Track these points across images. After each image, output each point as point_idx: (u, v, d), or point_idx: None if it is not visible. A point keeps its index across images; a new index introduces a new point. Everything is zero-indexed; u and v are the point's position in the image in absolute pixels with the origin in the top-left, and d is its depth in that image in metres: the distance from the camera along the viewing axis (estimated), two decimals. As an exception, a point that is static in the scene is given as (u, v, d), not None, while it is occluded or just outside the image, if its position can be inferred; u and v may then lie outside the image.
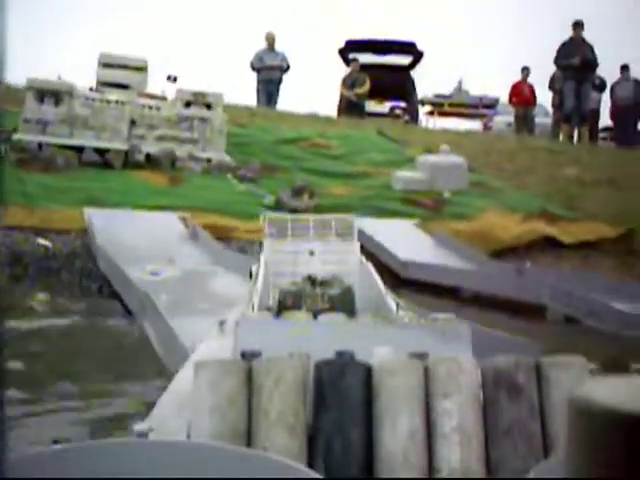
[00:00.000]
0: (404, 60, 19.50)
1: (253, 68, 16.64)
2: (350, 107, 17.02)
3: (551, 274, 7.87)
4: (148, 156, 10.45)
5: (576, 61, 16.16)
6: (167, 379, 3.39)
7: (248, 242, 8.38)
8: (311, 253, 4.49)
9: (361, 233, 9.08)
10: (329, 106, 17.75)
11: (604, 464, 0.76)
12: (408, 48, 19.45)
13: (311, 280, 3.69)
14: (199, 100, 10.77)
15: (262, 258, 4.35)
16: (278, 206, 9.65)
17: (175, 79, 10.70)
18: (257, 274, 4.03)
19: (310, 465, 2.35)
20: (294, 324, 2.87)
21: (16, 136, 10.42)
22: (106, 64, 10.77)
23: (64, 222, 7.86)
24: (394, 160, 12.34)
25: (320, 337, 2.71)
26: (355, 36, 19.71)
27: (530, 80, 17.60)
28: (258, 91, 16.78)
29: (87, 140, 10.32)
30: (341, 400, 2.46)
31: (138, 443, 1.92)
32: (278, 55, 16.68)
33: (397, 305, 3.55)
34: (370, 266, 4.35)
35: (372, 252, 8.74)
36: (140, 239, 7.17)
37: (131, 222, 7.68)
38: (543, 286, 7.02)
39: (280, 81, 16.86)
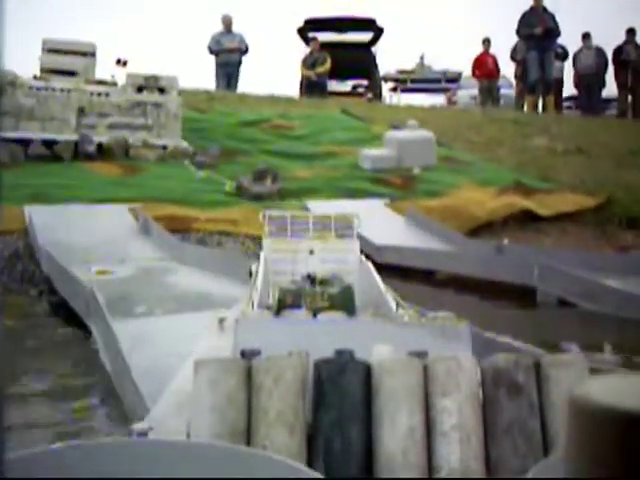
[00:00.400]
0: (364, 37, 18.88)
1: (211, 51, 15.91)
2: (311, 87, 16.42)
3: (533, 251, 7.15)
4: (100, 146, 9.56)
5: (538, 30, 15.56)
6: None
7: (208, 233, 7.58)
8: (311, 252, 4.43)
9: (328, 217, 8.35)
10: (290, 87, 16.96)
11: (604, 463, 0.73)
12: (368, 25, 18.80)
13: (311, 279, 3.67)
14: (151, 84, 9.98)
15: (262, 256, 4.30)
16: (239, 192, 8.83)
17: (125, 63, 9.90)
18: (257, 273, 3.96)
19: (310, 464, 2.33)
20: (293, 323, 2.86)
21: (-44, 131, 9.45)
22: (50, 50, 9.86)
23: (6, 222, 6.98)
24: (360, 138, 11.66)
25: (320, 336, 2.68)
26: (314, 14, 18.85)
27: (492, 52, 16.84)
28: (217, 74, 16.03)
29: (33, 132, 9.39)
30: (341, 399, 2.43)
31: (138, 443, 1.91)
32: (236, 37, 15.97)
33: (397, 304, 3.50)
34: (370, 265, 4.27)
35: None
36: (86, 236, 6.44)
37: (76, 218, 6.87)
38: (528, 265, 6.28)
39: (239, 63, 16.18)
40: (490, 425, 2.45)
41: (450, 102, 19.72)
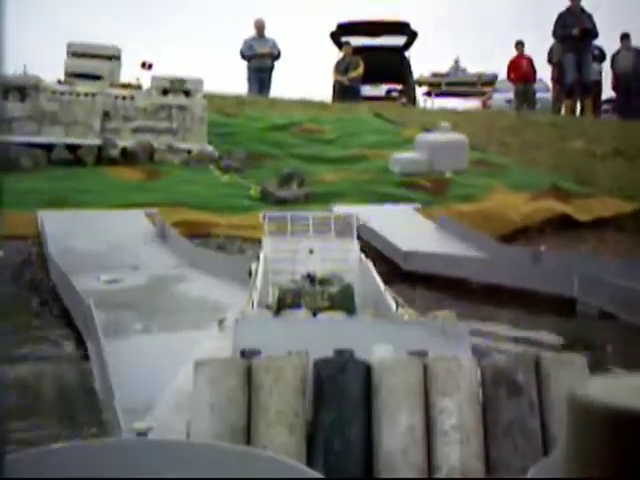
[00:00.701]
0: (398, 41, 18.43)
1: (243, 56, 15.53)
2: (344, 92, 16.09)
3: (571, 258, 6.57)
4: (124, 150, 9.17)
5: (575, 31, 14.87)
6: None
7: (229, 239, 7.14)
8: (310, 251, 4.38)
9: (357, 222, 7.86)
10: (323, 92, 16.54)
11: (603, 463, 0.74)
12: (401, 28, 18.36)
13: (310, 278, 3.65)
14: (177, 87, 9.62)
15: (261, 256, 4.28)
16: (264, 197, 8.37)
17: (150, 66, 9.57)
18: (256, 272, 3.96)
19: (309, 463, 2.31)
20: (293, 323, 2.85)
21: (-21, 137, 9.13)
22: (75, 53, 9.55)
23: (21, 227, 6.66)
24: (391, 142, 11.23)
25: (319, 335, 2.67)
26: (347, 18, 18.40)
27: (528, 54, 16.22)
28: (249, 79, 15.63)
29: (56, 137, 9.07)
30: (340, 398, 2.43)
31: (138, 443, 1.90)
32: (268, 42, 15.60)
33: (397, 303, 3.48)
34: (370, 264, 4.27)
35: (369, 242, 7.47)
36: (99, 243, 6.06)
37: (90, 224, 6.54)
38: (567, 274, 5.72)
39: (271, 68, 15.80)
40: (490, 425, 2.42)
41: (485, 106, 19.12)
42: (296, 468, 1.84)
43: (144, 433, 2.07)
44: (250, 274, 4.02)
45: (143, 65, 10.28)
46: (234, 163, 10.06)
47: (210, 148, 10.29)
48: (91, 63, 10.11)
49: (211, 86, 14.28)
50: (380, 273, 7.58)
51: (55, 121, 9.69)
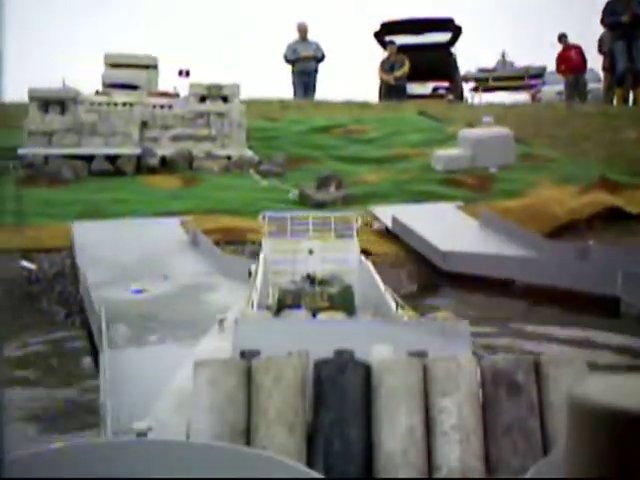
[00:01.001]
0: (443, 37, 17.98)
1: (287, 60, 15.30)
2: (390, 91, 15.91)
3: (620, 253, 6.16)
4: (163, 159, 9.04)
5: (625, 18, 14.29)
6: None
7: (263, 244, 6.87)
8: (310, 252, 4.34)
9: (395, 222, 7.59)
10: (369, 92, 16.27)
11: (603, 463, 0.74)
12: (446, 25, 18.03)
13: (310, 279, 3.62)
14: (214, 93, 9.42)
15: (261, 256, 4.27)
16: (302, 200, 8.14)
17: (188, 73, 9.44)
18: (256, 273, 3.94)
19: (309, 463, 2.30)
20: (293, 323, 2.85)
21: (21, 150, 9.13)
22: (113, 64, 9.43)
23: (55, 239, 6.57)
24: (434, 139, 10.96)
25: (319, 336, 2.62)
26: (390, 17, 18.12)
27: (578, 44, 15.65)
28: (294, 83, 15.45)
29: (96, 148, 8.99)
30: (340, 399, 2.41)
31: (138, 443, 1.89)
32: (311, 45, 15.47)
33: (397, 304, 3.46)
34: (369, 264, 4.20)
35: (408, 243, 7.17)
36: (131, 252, 5.94)
37: (123, 234, 6.38)
38: (612, 272, 5.33)
39: (316, 71, 15.51)
40: (490, 425, 2.42)
41: (534, 99, 18.58)
42: (296, 468, 1.83)
43: (144, 433, 2.07)
44: (250, 274, 3.97)
45: (180, 73, 10.19)
46: (274, 167, 9.88)
47: (250, 153, 10.13)
48: (128, 73, 10.07)
49: (256, 92, 14.19)
50: (418, 274, 7.33)
51: (94, 132, 9.67)
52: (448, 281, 6.88)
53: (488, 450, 2.35)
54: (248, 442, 2.31)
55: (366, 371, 2.41)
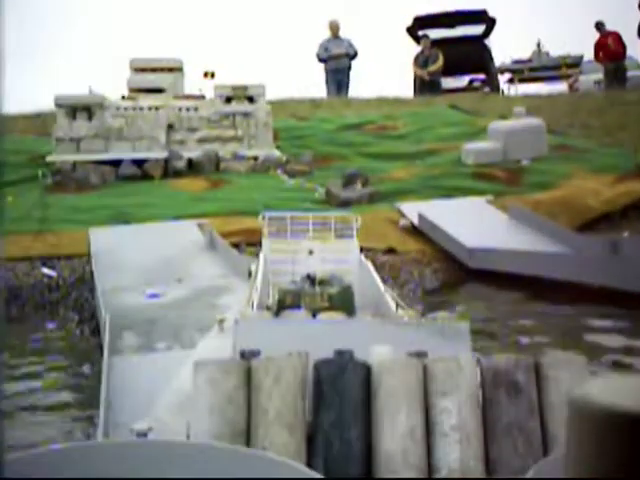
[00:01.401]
0: (477, 30, 17.63)
1: (320, 59, 15.06)
2: (425, 86, 15.45)
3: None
4: (190, 161, 8.94)
5: (665, 1, 13.79)
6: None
7: (285, 245, 6.72)
8: (310, 252, 4.31)
9: (421, 218, 7.38)
10: (403, 87, 16.03)
11: (603, 463, 0.73)
12: (479, 17, 17.68)
13: (310, 279, 3.59)
14: (240, 94, 9.29)
15: (261, 257, 4.24)
16: (328, 199, 7.97)
17: (213, 75, 9.29)
18: (256, 273, 3.91)
19: (309, 464, 2.28)
20: (293, 323, 2.79)
21: (50, 157, 9.12)
22: (138, 68, 9.36)
23: (77, 246, 6.51)
24: (466, 132, 10.79)
25: (319, 336, 2.61)
26: (422, 11, 17.81)
27: (616, 30, 15.18)
28: (327, 81, 15.25)
29: (123, 152, 8.96)
30: (340, 399, 2.39)
31: (138, 443, 1.90)
32: (343, 42, 15.35)
33: (396, 304, 3.43)
34: (369, 265, 4.16)
35: (434, 240, 6.95)
36: (147, 256, 5.85)
37: (140, 238, 6.28)
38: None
39: (349, 68, 15.26)
40: (490, 425, 2.40)
41: (572, 89, 18.10)
42: (296, 468, 1.83)
43: (144, 433, 2.08)
44: (250, 275, 3.93)
45: (206, 75, 10.09)
46: (301, 166, 9.71)
47: (277, 153, 10.00)
48: (153, 77, 9.99)
49: (288, 92, 14.04)
50: (443, 272, 7.10)
51: (121, 137, 9.64)
52: (474, 278, 6.64)
53: (488, 450, 2.35)
54: (248, 442, 2.31)
55: (366, 371, 2.41)
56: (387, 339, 2.56)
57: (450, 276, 6.89)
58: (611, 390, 0.75)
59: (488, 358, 2.45)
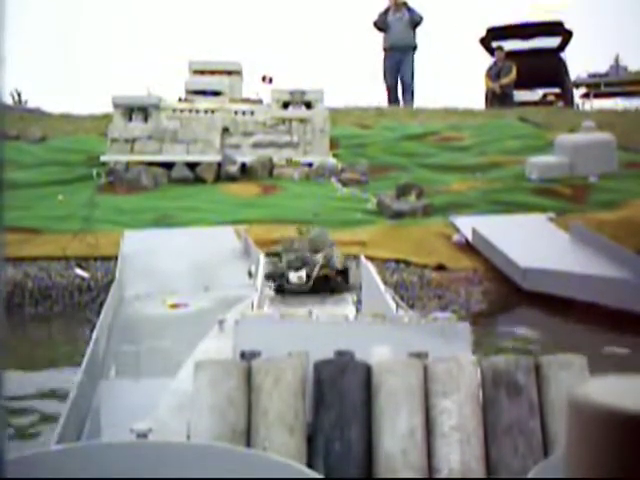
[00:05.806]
0: (552, 42, 16.84)
1: (378, 28, 13.64)
2: (497, 98, 14.72)
3: None
4: (244, 166, 8.56)
5: None
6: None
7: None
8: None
9: (475, 234, 6.85)
10: (475, 99, 15.37)
11: (604, 463, 0.72)
12: (555, 28, 16.82)
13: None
14: (297, 99, 8.86)
15: (261, 257, 4.19)
16: (381, 210, 7.45)
17: (271, 80, 8.94)
18: (256, 273, 3.90)
19: (310, 464, 2.27)
20: (293, 324, 2.73)
21: (103, 157, 8.87)
22: (196, 71, 9.06)
23: (113, 247, 6.15)
24: (533, 146, 10.19)
25: (319, 336, 2.57)
26: (496, 22, 17.13)
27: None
28: (384, 74, 13.99)
29: (176, 154, 8.64)
30: (340, 400, 2.37)
31: (138, 443, 1.86)
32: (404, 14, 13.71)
33: (397, 304, 3.37)
34: (370, 266, 4.13)
35: (488, 257, 6.37)
36: (179, 262, 5.47)
37: (175, 243, 5.91)
38: None
39: (414, 49, 13.63)
40: (490, 425, 2.38)
41: (651, 105, 17.09)
42: (296, 469, 1.81)
43: (144, 434, 2.02)
44: (250, 275, 3.91)
45: (264, 79, 9.72)
46: (355, 175, 9.21)
47: (332, 161, 9.56)
48: (211, 79, 9.68)
49: (353, 100, 13.52)
50: (494, 292, 6.51)
51: (176, 139, 9.40)
52: (527, 301, 6.03)
53: (488, 451, 2.32)
54: (248, 443, 2.29)
55: (366, 372, 2.39)
56: (387, 340, 2.55)
57: (500, 298, 6.31)
58: (611, 390, 0.73)
59: (488, 358, 2.42)
